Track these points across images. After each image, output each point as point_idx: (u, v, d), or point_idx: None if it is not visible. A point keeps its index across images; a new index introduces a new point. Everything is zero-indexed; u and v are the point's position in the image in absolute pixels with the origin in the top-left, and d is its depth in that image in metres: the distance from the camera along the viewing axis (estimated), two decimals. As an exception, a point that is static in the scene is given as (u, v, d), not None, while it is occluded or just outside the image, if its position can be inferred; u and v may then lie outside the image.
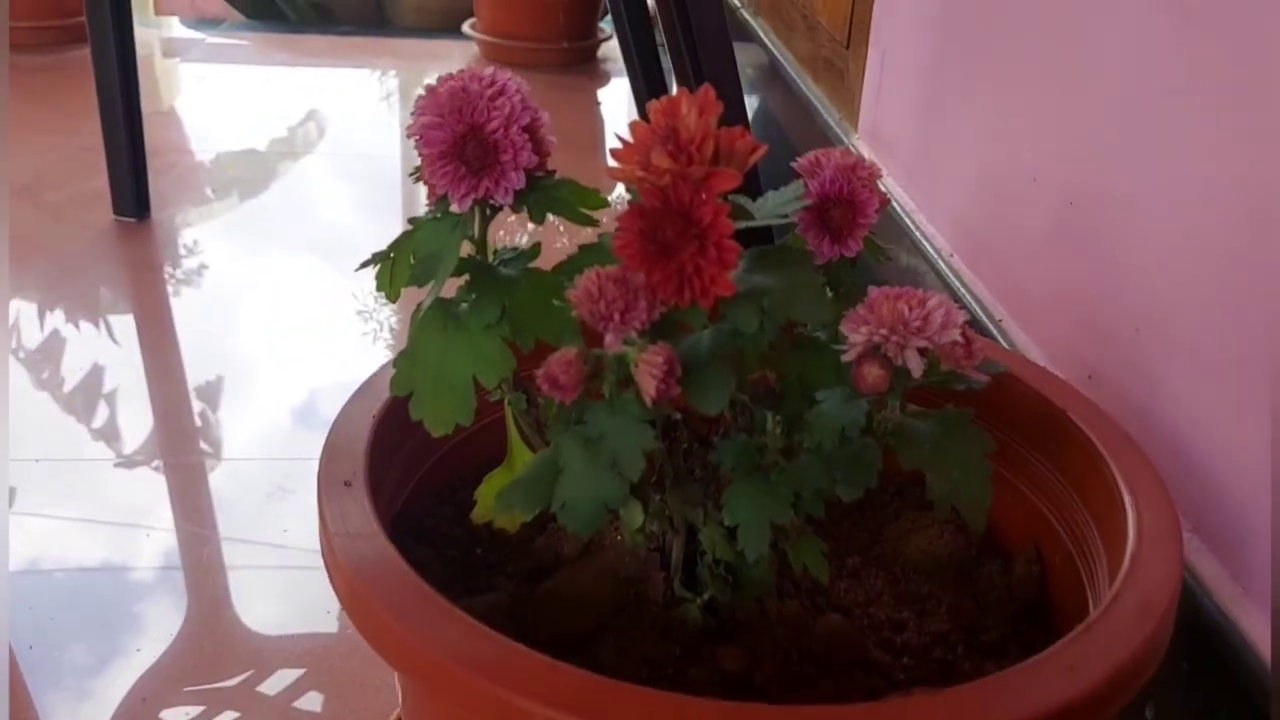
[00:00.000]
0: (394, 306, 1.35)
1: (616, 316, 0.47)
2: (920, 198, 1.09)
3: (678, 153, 0.48)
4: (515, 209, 0.53)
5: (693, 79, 1.08)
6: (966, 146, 0.99)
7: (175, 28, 2.49)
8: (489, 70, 0.52)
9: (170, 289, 1.35)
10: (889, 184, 1.15)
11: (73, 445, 1.06)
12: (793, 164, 0.59)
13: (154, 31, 2.39)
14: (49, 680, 0.82)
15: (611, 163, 0.50)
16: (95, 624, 0.87)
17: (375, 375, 0.63)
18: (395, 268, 0.58)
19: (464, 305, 0.54)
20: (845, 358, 0.51)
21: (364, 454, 0.57)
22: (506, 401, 0.60)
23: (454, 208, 0.52)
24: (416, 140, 0.51)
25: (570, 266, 0.54)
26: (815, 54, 1.49)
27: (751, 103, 1.74)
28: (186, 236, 1.49)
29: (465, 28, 2.43)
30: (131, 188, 1.50)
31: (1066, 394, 0.66)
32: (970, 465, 0.51)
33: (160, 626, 0.87)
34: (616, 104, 2.21)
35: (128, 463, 1.04)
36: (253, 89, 2.13)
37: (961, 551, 0.66)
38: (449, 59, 2.38)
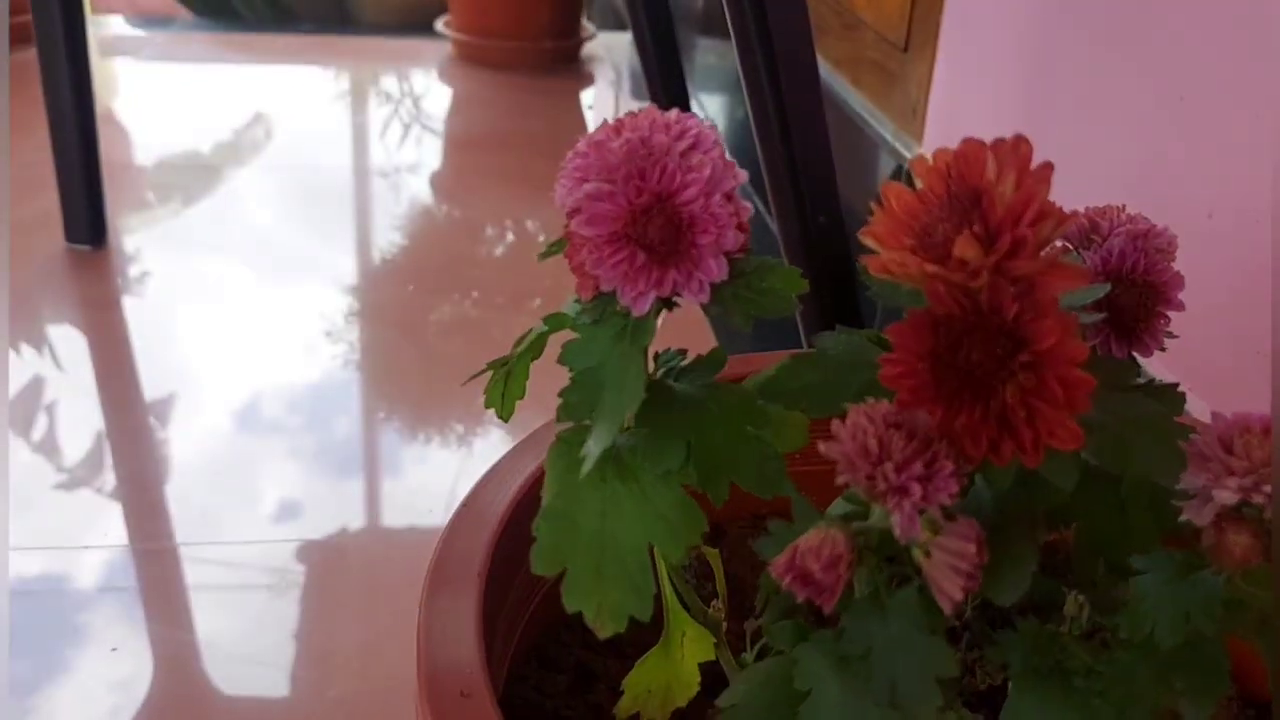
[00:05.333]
0: (362, 324, 1.18)
1: (917, 489, 0.31)
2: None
3: (988, 239, 0.32)
4: (709, 310, 0.37)
5: (768, 90, 0.92)
6: (1100, 164, 0.84)
7: (117, 26, 2.29)
8: (673, 114, 0.36)
9: (132, 330, 1.18)
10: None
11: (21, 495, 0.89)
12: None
13: (91, 30, 2.19)
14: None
15: (869, 244, 0.34)
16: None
17: (454, 528, 0.47)
18: (511, 380, 0.42)
19: (627, 440, 0.39)
20: (1200, 520, 0.35)
21: (474, 637, 0.41)
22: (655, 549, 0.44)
23: (628, 307, 0.36)
24: (572, 216, 0.35)
25: (775, 385, 0.39)
26: (857, 56, 1.34)
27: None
28: (144, 263, 1.31)
29: (438, 25, 2.26)
30: (86, 211, 1.32)
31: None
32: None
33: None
34: (603, 108, 2.05)
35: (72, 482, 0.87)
36: (200, 92, 1.94)
37: None
38: (418, 58, 2.21)
